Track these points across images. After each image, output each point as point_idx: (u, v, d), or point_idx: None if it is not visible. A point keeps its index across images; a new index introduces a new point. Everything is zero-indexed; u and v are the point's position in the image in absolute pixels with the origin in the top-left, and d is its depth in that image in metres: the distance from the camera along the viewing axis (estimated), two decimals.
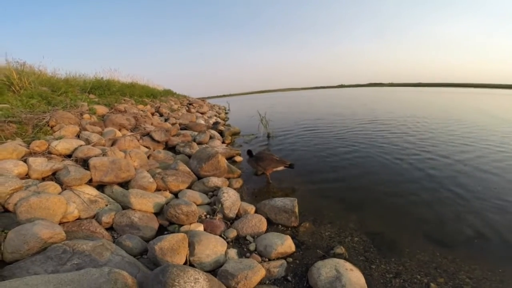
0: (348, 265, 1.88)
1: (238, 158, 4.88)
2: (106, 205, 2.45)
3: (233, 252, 2.14)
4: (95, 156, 2.99)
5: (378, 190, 3.40)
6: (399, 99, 19.21)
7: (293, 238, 2.36)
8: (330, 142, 6.05)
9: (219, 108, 17.44)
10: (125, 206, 2.49)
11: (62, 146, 3.06)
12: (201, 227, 2.41)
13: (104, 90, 7.79)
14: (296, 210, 2.69)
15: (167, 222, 2.49)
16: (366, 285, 1.74)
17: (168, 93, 16.57)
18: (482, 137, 5.95)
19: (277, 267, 1.98)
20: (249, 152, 4.04)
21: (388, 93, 30.56)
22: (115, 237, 2.19)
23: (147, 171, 3.25)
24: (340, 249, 2.20)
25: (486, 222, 2.57)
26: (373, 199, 3.17)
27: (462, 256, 2.11)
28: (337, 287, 1.66)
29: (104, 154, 3.16)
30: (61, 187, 2.40)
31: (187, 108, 12.41)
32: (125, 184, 2.92)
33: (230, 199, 2.80)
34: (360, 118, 9.60)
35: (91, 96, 6.90)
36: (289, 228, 2.62)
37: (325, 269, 1.83)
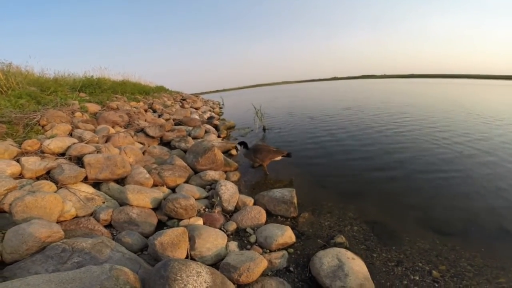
0: (350, 254, 1.89)
1: (234, 152, 4.86)
2: (103, 202, 2.41)
3: (233, 245, 2.13)
4: (89, 153, 2.94)
5: (375, 179, 3.41)
6: (397, 91, 19.26)
7: (293, 228, 2.36)
8: (326, 133, 6.06)
9: (213, 103, 17.30)
10: (123, 203, 2.45)
11: (55, 144, 3.00)
12: (200, 221, 2.39)
13: (95, 88, 7.68)
14: (295, 200, 2.69)
15: (166, 217, 2.47)
16: (368, 273, 1.74)
17: (160, 89, 16.39)
18: (480, 127, 6.02)
19: (279, 258, 1.98)
20: (241, 144, 3.92)
21: (382, 84, 30.66)
22: (114, 234, 2.16)
23: (143, 167, 3.21)
24: (340, 238, 2.21)
25: (484, 209, 2.59)
26: (371, 188, 3.19)
27: (462, 243, 2.12)
28: (340, 276, 1.66)
29: (98, 151, 3.11)
30: (56, 186, 2.35)
31: (180, 104, 12.30)
32: (121, 181, 2.88)
33: (228, 191, 2.78)
34: (356, 109, 9.62)
35: (82, 94, 6.78)
36: (289, 219, 2.62)
37: (326, 258, 1.83)
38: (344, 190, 3.17)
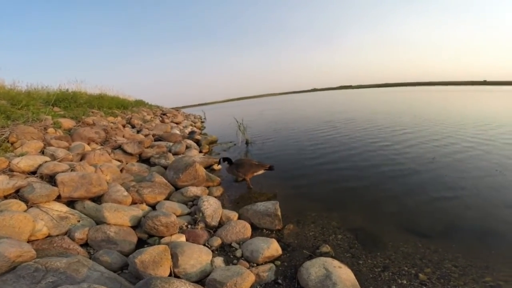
0: (336, 262, 1.88)
1: (217, 166, 4.79)
2: (78, 221, 2.28)
3: (219, 260, 2.07)
4: (63, 171, 2.80)
5: (356, 188, 3.48)
6: (374, 101, 20.00)
7: (278, 241, 2.33)
8: (308, 146, 6.13)
9: (194, 117, 17.14)
10: (99, 221, 2.34)
11: (25, 163, 2.84)
12: (183, 238, 2.32)
13: (70, 103, 7.39)
14: (279, 213, 2.67)
15: (146, 235, 2.37)
16: (356, 281, 1.73)
17: (140, 103, 16.07)
18: (461, 134, 6.33)
19: (266, 271, 1.93)
20: (225, 160, 3.95)
21: (359, 95, 31.94)
22: (92, 253, 2.04)
23: (121, 184, 3.09)
24: (326, 248, 2.21)
25: (463, 210, 2.70)
26: (353, 197, 3.24)
27: (444, 245, 2.18)
28: (329, 285, 1.64)
29: (72, 169, 2.97)
30: (27, 205, 2.21)
31: (160, 119, 12.09)
32: (97, 199, 2.76)
33: (211, 207, 2.72)
34: (336, 120, 9.86)
35: (56, 109, 6.51)
36: (274, 232, 2.60)
37: (314, 268, 1.81)
38: (327, 200, 3.20)
